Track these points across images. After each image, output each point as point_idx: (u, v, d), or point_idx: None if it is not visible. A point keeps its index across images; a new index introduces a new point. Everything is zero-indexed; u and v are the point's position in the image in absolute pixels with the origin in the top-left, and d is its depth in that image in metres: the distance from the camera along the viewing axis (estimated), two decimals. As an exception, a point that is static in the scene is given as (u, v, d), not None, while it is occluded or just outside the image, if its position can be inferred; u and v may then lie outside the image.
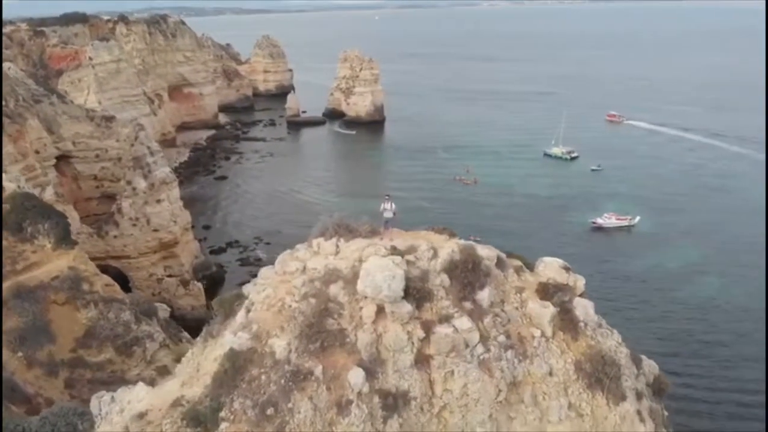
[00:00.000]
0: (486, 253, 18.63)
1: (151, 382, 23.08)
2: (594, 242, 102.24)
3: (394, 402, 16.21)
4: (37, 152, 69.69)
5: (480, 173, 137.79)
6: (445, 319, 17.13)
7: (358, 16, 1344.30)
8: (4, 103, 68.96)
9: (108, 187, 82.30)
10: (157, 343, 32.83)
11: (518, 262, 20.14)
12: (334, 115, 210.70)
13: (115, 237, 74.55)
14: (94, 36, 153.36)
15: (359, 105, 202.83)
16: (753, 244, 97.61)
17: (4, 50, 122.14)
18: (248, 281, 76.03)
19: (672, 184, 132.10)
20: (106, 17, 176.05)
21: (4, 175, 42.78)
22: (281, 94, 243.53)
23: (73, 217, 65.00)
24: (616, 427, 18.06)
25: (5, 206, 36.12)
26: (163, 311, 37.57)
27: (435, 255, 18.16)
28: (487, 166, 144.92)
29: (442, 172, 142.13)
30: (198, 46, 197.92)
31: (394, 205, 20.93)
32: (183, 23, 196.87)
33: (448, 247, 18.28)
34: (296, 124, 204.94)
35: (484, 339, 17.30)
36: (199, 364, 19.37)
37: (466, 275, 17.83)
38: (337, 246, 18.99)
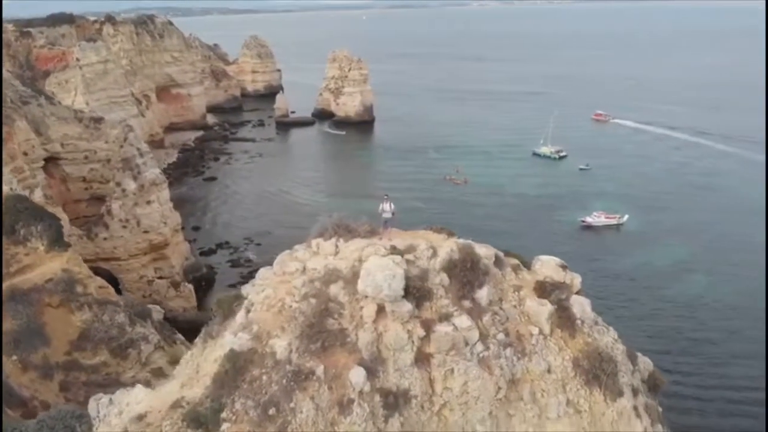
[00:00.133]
0: (484, 252, 18.81)
1: (147, 384, 23.00)
2: (583, 241, 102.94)
3: (395, 400, 16.32)
4: (25, 154, 69.05)
5: (470, 173, 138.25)
6: (445, 317, 17.27)
7: (346, 16, 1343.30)
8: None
9: (97, 189, 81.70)
10: (152, 345, 32.70)
11: (515, 261, 20.33)
12: (323, 115, 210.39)
13: (104, 239, 74.05)
14: (81, 37, 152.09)
15: (348, 105, 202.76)
16: (740, 241, 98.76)
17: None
18: (239, 282, 76.53)
19: (659, 182, 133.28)
20: (92, 18, 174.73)
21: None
22: (270, 94, 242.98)
23: (63, 219, 64.39)
24: (614, 423, 18.29)
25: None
26: (157, 313, 37.40)
27: (434, 254, 18.31)
28: (477, 165, 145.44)
29: (432, 172, 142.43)
30: (186, 46, 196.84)
31: (393, 206, 21.04)
32: (170, 24, 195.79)
33: (447, 247, 18.43)
34: (285, 125, 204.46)
35: (483, 337, 17.46)
36: (199, 366, 19.35)
37: (465, 274, 17.99)
38: (337, 246, 19.08)
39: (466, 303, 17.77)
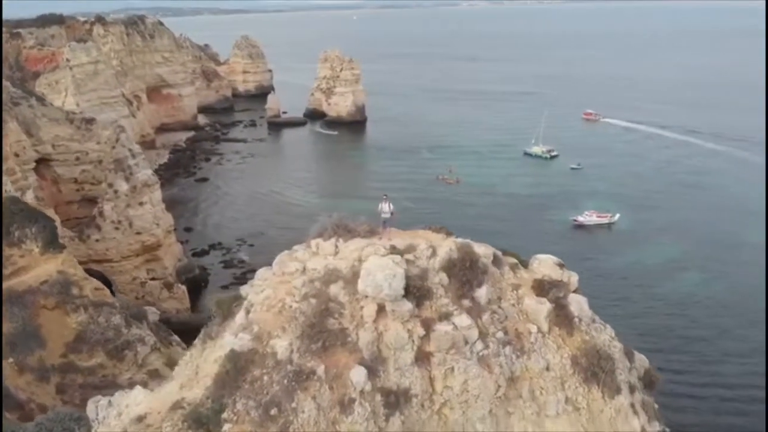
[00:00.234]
0: (483, 251, 18.94)
1: (144, 386, 23.00)
2: (576, 240, 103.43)
3: (395, 400, 16.40)
4: (16, 155, 68.58)
5: (462, 173, 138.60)
6: (445, 316, 17.37)
7: (336, 16, 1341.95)
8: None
9: (89, 190, 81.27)
10: (149, 346, 32.59)
11: (513, 260, 20.47)
12: (314, 115, 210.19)
13: (97, 240, 73.70)
14: (71, 37, 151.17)
15: (340, 105, 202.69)
16: (730, 240, 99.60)
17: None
18: (233, 283, 76.43)
19: (649, 181, 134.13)
20: (82, 18, 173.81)
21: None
22: (261, 94, 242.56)
23: (54, 220, 64.11)
24: (612, 420, 18.46)
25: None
26: (153, 314, 37.28)
27: (434, 254, 18.40)
28: (469, 165, 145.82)
29: (424, 172, 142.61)
30: (176, 46, 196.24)
31: (392, 206, 21.12)
32: (161, 24, 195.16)
33: (446, 246, 18.53)
34: (277, 125, 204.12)
35: (482, 336, 17.57)
36: (198, 366, 19.36)
37: (465, 273, 18.10)
38: (336, 246, 19.13)
39: (466, 302, 17.88)
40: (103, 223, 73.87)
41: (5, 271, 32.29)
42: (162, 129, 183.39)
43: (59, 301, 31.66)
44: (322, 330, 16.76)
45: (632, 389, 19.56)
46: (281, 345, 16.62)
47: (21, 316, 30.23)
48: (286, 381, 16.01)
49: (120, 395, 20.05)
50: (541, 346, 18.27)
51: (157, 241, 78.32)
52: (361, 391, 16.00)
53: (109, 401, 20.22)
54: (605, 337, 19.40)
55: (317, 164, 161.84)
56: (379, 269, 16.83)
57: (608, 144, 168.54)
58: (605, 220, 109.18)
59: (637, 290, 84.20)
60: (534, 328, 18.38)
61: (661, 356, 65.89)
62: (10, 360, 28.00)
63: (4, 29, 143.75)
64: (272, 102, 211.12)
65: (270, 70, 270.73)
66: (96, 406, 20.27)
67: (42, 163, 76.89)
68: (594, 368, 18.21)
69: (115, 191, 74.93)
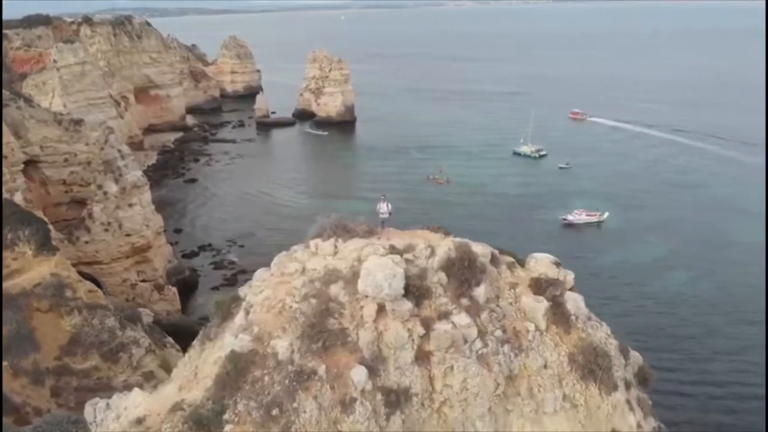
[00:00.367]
0: (480, 250, 19.11)
1: (139, 388, 22.95)
2: (565, 238, 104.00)
3: (396, 398, 16.53)
4: (4, 157, 67.98)
5: (452, 173, 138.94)
6: (444, 315, 17.52)
7: (324, 16, 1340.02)
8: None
9: (78, 192, 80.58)
10: (143, 348, 32.44)
11: (510, 259, 20.68)
12: (304, 115, 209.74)
13: (86, 242, 73.11)
14: (58, 38, 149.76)
15: (330, 105, 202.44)
16: (717, 238, 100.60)
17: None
18: (223, 285, 76.01)
19: (637, 180, 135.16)
20: (69, 19, 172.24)
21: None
22: (249, 95, 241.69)
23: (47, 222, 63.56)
24: (609, 417, 18.70)
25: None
26: (147, 316, 37.12)
27: (432, 253, 18.54)
28: (459, 165, 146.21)
29: (415, 172, 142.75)
30: (164, 47, 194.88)
31: (390, 206, 21.24)
32: (148, 24, 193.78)
33: (445, 246, 18.67)
34: (266, 125, 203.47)
35: (481, 334, 17.73)
36: (198, 368, 19.37)
37: (463, 272, 18.26)
38: (336, 246, 19.21)
39: (464, 301, 18.03)
40: (92, 224, 73.31)
41: (-2, 274, 32.10)
42: (150, 130, 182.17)
43: (53, 303, 31.44)
44: (323, 330, 16.85)
45: (628, 386, 19.83)
46: (282, 345, 16.70)
47: (15, 319, 29.99)
48: (287, 381, 16.09)
49: (118, 397, 20.00)
50: (539, 344, 18.46)
51: (147, 243, 77.85)
52: (362, 391, 16.12)
53: (107, 404, 20.17)
54: (601, 334, 19.64)
55: (307, 165, 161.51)
56: (379, 269, 16.94)
57: (596, 143, 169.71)
58: (594, 219, 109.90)
59: (626, 289, 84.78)
60: (532, 326, 18.57)
61: (650, 354, 65.86)
62: (5, 363, 27.81)
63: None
64: (261, 102, 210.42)
65: (258, 71, 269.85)
66: (94, 409, 20.21)
67: (30, 164, 76.19)
68: (591, 365, 18.44)
69: (105, 193, 74.39)
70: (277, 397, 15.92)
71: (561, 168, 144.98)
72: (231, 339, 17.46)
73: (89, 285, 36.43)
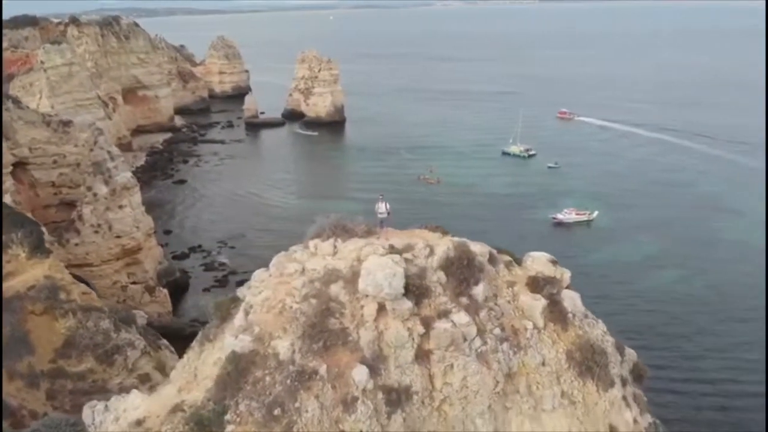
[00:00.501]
0: (479, 249, 19.26)
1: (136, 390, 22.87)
2: (555, 237, 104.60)
3: (397, 397, 16.60)
4: (-8, 159, 67.46)
5: (442, 173, 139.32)
6: (444, 314, 17.62)
7: (312, 16, 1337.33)
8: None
9: (67, 194, 79.91)
10: (138, 350, 32.31)
11: (507, 257, 20.84)
12: (293, 116, 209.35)
13: (76, 245, 72.60)
14: (45, 39, 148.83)
15: (319, 105, 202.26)
16: (706, 236, 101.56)
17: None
18: (214, 286, 75.72)
19: (625, 179, 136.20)
20: (56, 20, 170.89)
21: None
22: (238, 95, 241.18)
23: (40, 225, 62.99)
24: (606, 413, 18.90)
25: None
26: (141, 318, 36.97)
27: (431, 253, 18.65)
28: (449, 165, 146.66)
29: (405, 172, 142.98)
30: (152, 47, 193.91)
31: (388, 206, 21.33)
32: (136, 25, 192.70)
33: (444, 245, 18.79)
34: (255, 126, 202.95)
35: (480, 332, 17.85)
36: (197, 369, 19.37)
37: (462, 271, 18.38)
38: (335, 246, 19.28)
39: (464, 299, 18.15)
40: (82, 226, 72.82)
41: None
42: (138, 131, 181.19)
43: (47, 306, 31.24)
44: (324, 330, 16.90)
45: (624, 382, 20.06)
46: (283, 345, 16.73)
47: (9, 322, 29.74)
48: (288, 381, 16.13)
49: (117, 399, 19.96)
50: (537, 341, 18.63)
51: (137, 245, 77.44)
52: (364, 390, 16.18)
53: (106, 406, 20.11)
54: (598, 331, 19.86)
55: (296, 165, 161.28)
56: (379, 268, 17.03)
57: (584, 142, 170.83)
58: (584, 218, 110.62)
59: (616, 287, 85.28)
60: (530, 324, 18.73)
61: (642, 353, 65.90)
62: (0, 366, 27.69)
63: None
64: (249, 103, 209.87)
65: (247, 71, 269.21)
66: (92, 411, 20.13)
67: (19, 166, 75.54)
68: (588, 362, 18.63)
69: (94, 194, 73.91)
70: (279, 397, 15.95)
71: (550, 167, 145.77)
72: (231, 340, 17.46)
73: (83, 287, 36.23)
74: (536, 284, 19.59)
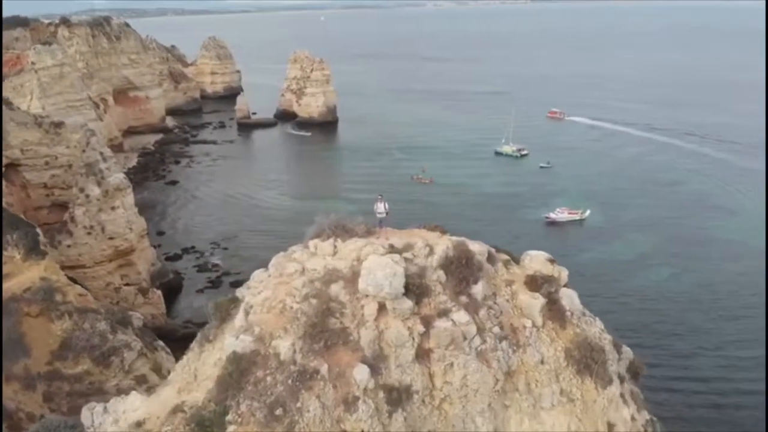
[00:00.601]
0: (477, 248, 19.36)
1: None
2: (548, 236, 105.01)
3: (398, 396, 16.65)
4: (-17, 161, 67.08)
5: (435, 173, 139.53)
6: (444, 313, 17.68)
7: (303, 16, 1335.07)
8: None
9: (59, 195, 79.58)
10: (135, 352, 32.22)
11: (506, 256, 20.96)
12: (285, 116, 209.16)
13: (68, 246, 72.24)
14: (36, 40, 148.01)
15: (311, 106, 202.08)
16: (697, 235, 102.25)
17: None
18: (207, 287, 75.58)
19: (617, 177, 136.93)
20: (47, 20, 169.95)
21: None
22: (230, 95, 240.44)
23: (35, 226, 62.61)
24: (604, 410, 19.02)
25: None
26: (137, 319, 36.86)
27: (431, 252, 18.71)
28: (442, 165, 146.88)
29: (398, 172, 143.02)
30: (143, 48, 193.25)
31: (387, 205, 21.39)
32: (127, 25, 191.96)
33: (443, 244, 18.88)
34: (247, 126, 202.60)
35: (480, 331, 17.93)
36: (197, 370, 19.35)
37: (461, 270, 18.47)
38: (335, 246, 19.32)
39: (463, 298, 18.23)
40: (74, 228, 72.48)
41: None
42: (130, 132, 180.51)
43: (43, 308, 31.09)
44: (324, 329, 16.93)
45: (621, 380, 20.21)
46: (284, 345, 16.74)
47: (5, 325, 29.62)
48: (290, 381, 16.15)
49: (116, 401, 19.91)
50: (536, 339, 18.73)
51: (130, 246, 77.18)
52: (365, 389, 16.21)
53: (105, 407, 20.05)
54: (595, 329, 19.98)
55: (289, 166, 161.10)
56: (379, 268, 17.08)
57: (574, 142, 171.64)
58: (576, 217, 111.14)
59: (609, 285, 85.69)
60: (528, 323, 18.83)
61: (635, 350, 66.60)
62: (-4, 369, 27.54)
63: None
64: (241, 103, 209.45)
65: (238, 71, 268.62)
66: (91, 413, 20.07)
67: (10, 168, 75.12)
68: (587, 360, 18.75)
69: (87, 196, 73.59)
70: (281, 397, 15.97)
71: (542, 167, 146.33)
72: (232, 340, 17.45)
73: (79, 289, 36.10)
74: (535, 283, 19.70)
